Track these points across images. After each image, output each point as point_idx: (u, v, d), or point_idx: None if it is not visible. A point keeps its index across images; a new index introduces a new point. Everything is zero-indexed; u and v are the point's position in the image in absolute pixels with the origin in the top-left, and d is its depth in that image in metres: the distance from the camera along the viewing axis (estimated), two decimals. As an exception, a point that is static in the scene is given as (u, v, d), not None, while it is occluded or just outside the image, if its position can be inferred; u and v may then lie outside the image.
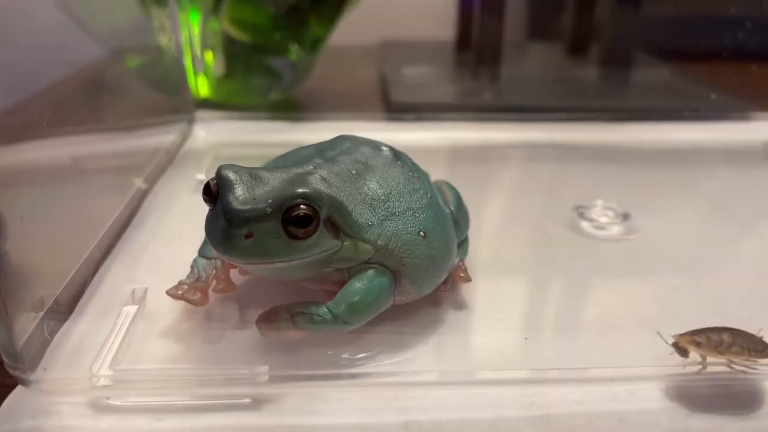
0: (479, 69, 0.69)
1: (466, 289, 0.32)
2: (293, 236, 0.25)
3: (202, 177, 0.44)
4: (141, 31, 0.52)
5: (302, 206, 0.25)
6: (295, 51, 0.57)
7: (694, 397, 0.26)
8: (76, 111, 0.40)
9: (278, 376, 0.25)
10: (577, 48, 0.74)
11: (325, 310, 0.26)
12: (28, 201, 0.30)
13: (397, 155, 0.32)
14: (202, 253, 0.31)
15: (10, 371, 0.25)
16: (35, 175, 0.34)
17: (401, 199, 0.29)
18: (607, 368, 0.27)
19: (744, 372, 0.26)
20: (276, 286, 0.31)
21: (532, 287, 0.34)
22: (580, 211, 0.41)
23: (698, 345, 0.26)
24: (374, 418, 0.25)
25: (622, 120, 0.57)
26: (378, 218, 0.28)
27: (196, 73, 0.58)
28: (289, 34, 0.57)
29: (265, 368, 0.25)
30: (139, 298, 0.30)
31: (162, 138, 0.50)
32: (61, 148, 0.37)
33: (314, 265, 0.26)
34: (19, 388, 0.26)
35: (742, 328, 0.26)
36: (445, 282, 0.30)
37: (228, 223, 0.24)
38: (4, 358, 0.25)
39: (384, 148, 0.32)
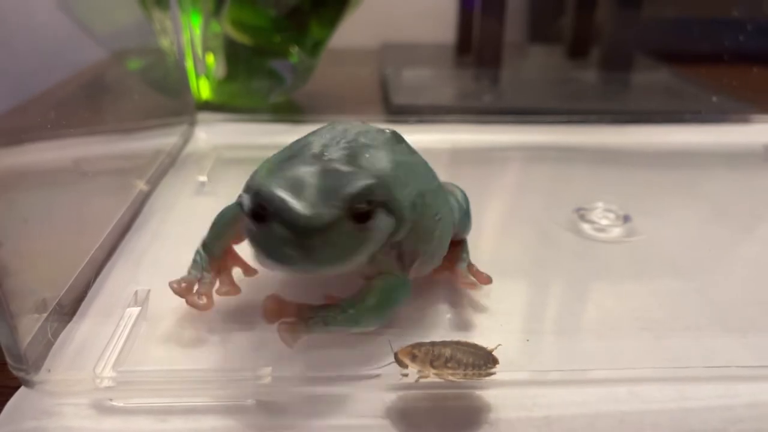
0: (480, 71, 0.69)
1: (466, 291, 0.32)
2: (361, 229, 0.24)
3: (204, 179, 0.45)
4: (142, 33, 0.52)
5: (368, 202, 0.24)
6: (296, 53, 0.57)
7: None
8: (77, 113, 0.40)
9: (281, 377, 0.25)
10: (578, 50, 0.74)
11: (352, 311, 0.26)
12: (30, 203, 0.30)
13: (397, 136, 0.31)
14: (208, 249, 0.30)
15: (14, 372, 0.25)
16: (38, 177, 0.34)
17: (420, 179, 0.29)
18: (608, 370, 0.27)
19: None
20: (282, 287, 0.31)
21: (532, 289, 0.34)
22: (581, 214, 0.41)
23: (414, 358, 0.24)
24: (376, 420, 0.25)
25: (622, 122, 0.57)
26: (410, 196, 0.27)
27: (197, 76, 0.58)
28: (290, 36, 0.57)
29: (268, 369, 0.25)
30: (141, 300, 0.30)
31: (163, 140, 0.50)
32: (62, 150, 0.37)
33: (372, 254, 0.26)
34: (22, 390, 0.26)
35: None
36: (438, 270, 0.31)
37: (299, 236, 0.23)
38: (8, 360, 0.25)
39: (379, 128, 0.31)
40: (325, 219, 0.23)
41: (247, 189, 0.24)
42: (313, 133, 0.30)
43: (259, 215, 0.24)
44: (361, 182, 0.24)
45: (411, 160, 0.30)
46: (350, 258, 0.24)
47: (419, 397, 0.26)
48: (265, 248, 0.24)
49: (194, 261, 0.30)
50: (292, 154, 0.27)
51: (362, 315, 0.26)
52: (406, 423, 0.25)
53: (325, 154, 0.26)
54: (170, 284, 0.29)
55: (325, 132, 0.29)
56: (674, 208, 0.43)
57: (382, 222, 0.25)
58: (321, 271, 0.24)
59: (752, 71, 0.56)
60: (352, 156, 0.26)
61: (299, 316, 0.26)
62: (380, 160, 0.27)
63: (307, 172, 0.24)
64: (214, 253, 0.30)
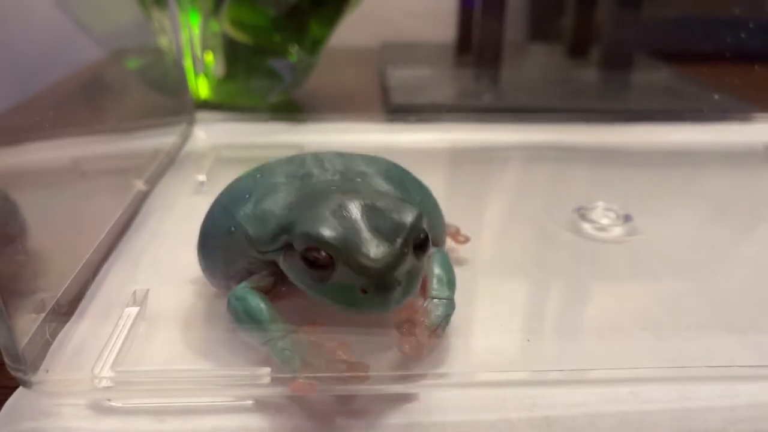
0: (479, 70, 0.69)
1: (467, 290, 0.32)
2: (420, 260, 0.24)
3: (203, 178, 0.44)
4: (141, 33, 0.52)
5: (422, 231, 0.24)
6: (295, 52, 0.57)
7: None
8: (76, 112, 0.41)
9: (280, 377, 0.25)
10: (578, 49, 0.74)
11: (447, 302, 0.27)
12: (29, 202, 0.30)
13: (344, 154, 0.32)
14: (281, 332, 0.25)
15: (12, 373, 0.25)
16: (36, 177, 0.34)
17: (407, 184, 0.30)
18: (609, 369, 0.27)
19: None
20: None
21: (533, 289, 0.34)
22: (582, 213, 0.41)
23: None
24: (377, 420, 0.25)
25: (623, 121, 0.57)
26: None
27: (196, 75, 0.58)
28: (290, 35, 0.57)
29: (267, 370, 0.25)
30: (140, 300, 0.30)
31: (162, 139, 0.50)
32: (61, 150, 0.37)
33: None
34: (20, 390, 0.26)
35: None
36: None
37: (379, 281, 0.22)
38: (6, 360, 0.25)
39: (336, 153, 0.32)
40: (395, 263, 0.23)
41: (304, 237, 0.23)
42: (289, 162, 0.30)
43: (325, 265, 0.23)
44: (411, 213, 0.24)
45: (381, 167, 0.31)
46: (415, 291, 0.24)
47: (418, 396, 0.26)
48: (337, 297, 0.24)
49: (287, 359, 0.25)
50: (295, 187, 0.28)
51: (452, 293, 0.27)
52: (403, 423, 0.25)
53: (339, 185, 0.27)
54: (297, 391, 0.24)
55: (309, 161, 0.30)
56: (675, 208, 0.43)
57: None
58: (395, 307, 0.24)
59: (753, 70, 0.56)
60: (369, 185, 0.28)
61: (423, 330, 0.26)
62: (391, 183, 0.29)
63: (356, 209, 0.24)
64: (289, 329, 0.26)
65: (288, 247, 0.25)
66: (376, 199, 0.25)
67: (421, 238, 0.24)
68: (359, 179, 0.29)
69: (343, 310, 0.24)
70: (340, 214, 0.24)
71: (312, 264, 0.23)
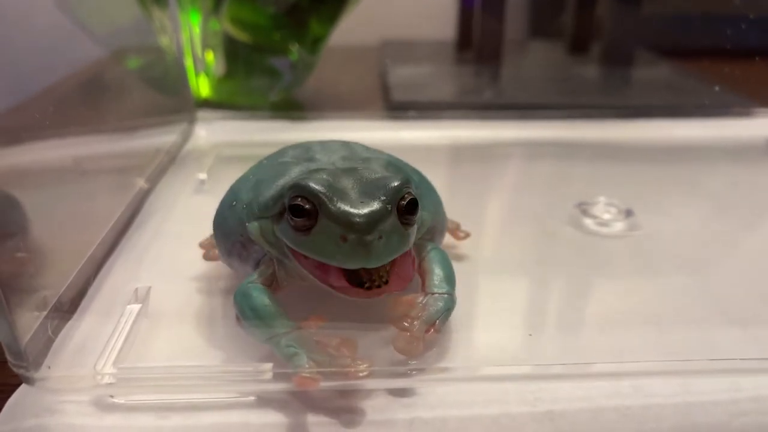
0: (480, 67, 0.69)
1: (468, 286, 0.32)
2: (407, 224, 0.25)
3: (204, 177, 0.45)
4: (141, 32, 0.52)
5: (408, 194, 0.25)
6: (295, 50, 0.57)
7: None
8: (77, 112, 0.40)
9: (282, 373, 0.25)
10: (578, 46, 0.74)
11: (447, 297, 0.27)
12: (31, 201, 0.30)
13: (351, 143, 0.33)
14: (285, 327, 0.25)
15: (15, 370, 0.25)
16: (38, 176, 0.34)
17: (410, 174, 0.30)
18: (611, 363, 0.27)
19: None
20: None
21: (535, 284, 0.34)
22: (583, 208, 0.40)
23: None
24: (379, 415, 0.25)
25: (623, 117, 0.57)
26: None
27: (196, 74, 0.58)
28: (290, 33, 0.57)
29: (269, 365, 0.25)
30: (142, 297, 0.30)
31: (163, 138, 0.50)
32: (63, 149, 0.37)
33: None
34: (23, 387, 0.26)
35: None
36: None
37: (359, 233, 0.23)
38: (9, 357, 0.25)
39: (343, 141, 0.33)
40: (377, 216, 0.23)
41: (292, 189, 0.25)
42: (286, 153, 0.31)
43: (308, 213, 0.24)
44: (398, 177, 0.25)
45: (385, 160, 0.31)
46: (399, 253, 0.24)
47: (420, 391, 0.26)
48: (320, 250, 0.24)
49: (292, 356, 0.25)
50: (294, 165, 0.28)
51: (451, 289, 0.27)
52: (405, 418, 0.25)
53: (337, 163, 0.28)
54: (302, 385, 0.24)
55: (301, 150, 0.31)
56: (676, 202, 0.43)
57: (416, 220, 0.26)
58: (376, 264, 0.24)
59: (753, 65, 0.56)
60: (367, 161, 0.28)
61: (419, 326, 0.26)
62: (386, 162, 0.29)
63: (350, 176, 0.25)
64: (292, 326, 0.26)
65: (283, 212, 0.26)
66: (368, 172, 0.26)
67: (407, 199, 0.24)
68: (360, 164, 0.29)
69: (326, 261, 0.24)
70: (331, 176, 0.25)
71: (297, 213, 0.24)
